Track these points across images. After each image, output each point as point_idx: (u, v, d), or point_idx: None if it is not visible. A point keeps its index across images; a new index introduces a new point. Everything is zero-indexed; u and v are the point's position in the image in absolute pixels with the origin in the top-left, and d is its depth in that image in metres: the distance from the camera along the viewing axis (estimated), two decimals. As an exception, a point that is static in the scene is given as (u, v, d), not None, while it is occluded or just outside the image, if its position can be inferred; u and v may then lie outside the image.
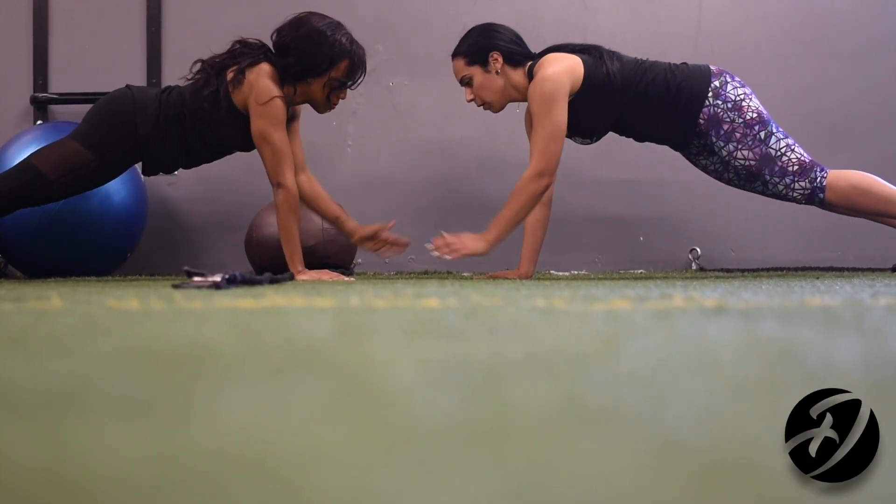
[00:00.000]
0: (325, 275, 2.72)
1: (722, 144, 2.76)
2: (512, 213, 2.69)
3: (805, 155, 2.75)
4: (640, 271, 3.57)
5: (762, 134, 2.73)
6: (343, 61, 2.78)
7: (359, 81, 2.84)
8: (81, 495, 0.35)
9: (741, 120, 2.73)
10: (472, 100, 2.85)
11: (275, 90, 2.71)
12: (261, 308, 1.31)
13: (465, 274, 3.39)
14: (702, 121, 2.76)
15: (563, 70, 2.70)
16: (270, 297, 1.54)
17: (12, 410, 0.52)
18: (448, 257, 2.68)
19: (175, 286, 1.87)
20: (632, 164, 3.53)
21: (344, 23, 2.85)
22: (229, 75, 2.73)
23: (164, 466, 0.39)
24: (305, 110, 2.98)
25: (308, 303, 1.44)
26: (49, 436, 0.45)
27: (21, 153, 3.00)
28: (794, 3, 3.63)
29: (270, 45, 2.79)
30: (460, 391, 0.57)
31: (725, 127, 2.74)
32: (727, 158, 2.77)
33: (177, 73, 3.55)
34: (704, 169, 2.90)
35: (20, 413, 0.51)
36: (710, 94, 2.74)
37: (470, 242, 2.67)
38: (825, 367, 0.68)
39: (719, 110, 2.74)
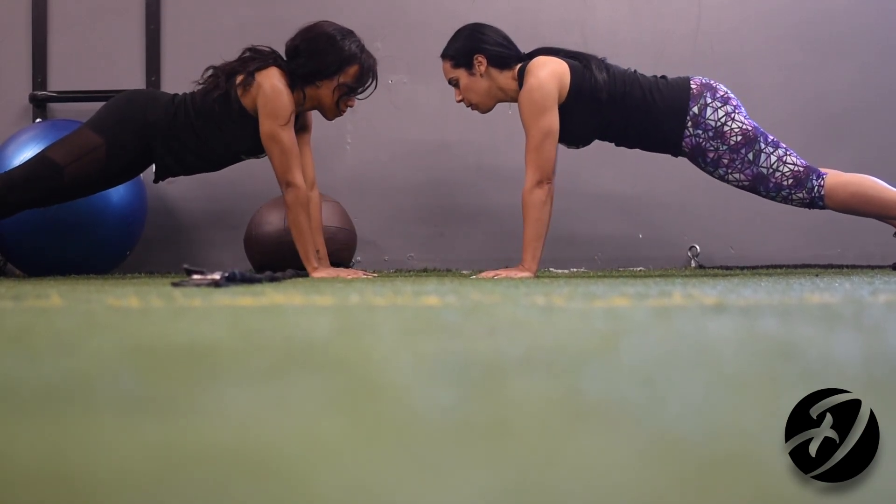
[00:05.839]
0: (343, 272, 2.71)
1: (711, 170, 2.73)
2: (532, 230, 2.68)
3: (799, 163, 2.67)
4: (639, 269, 3.57)
5: (750, 155, 2.67)
6: (353, 66, 2.79)
7: (369, 89, 2.85)
8: (81, 492, 0.35)
9: (725, 147, 2.68)
10: (461, 100, 2.85)
11: (283, 90, 2.72)
12: (260, 306, 1.31)
13: (464, 272, 3.38)
14: (686, 149, 2.73)
15: (551, 75, 2.68)
16: (270, 296, 1.54)
17: (12, 409, 0.52)
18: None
19: (174, 284, 1.87)
20: (630, 161, 3.53)
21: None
22: (238, 79, 2.73)
23: (164, 464, 0.39)
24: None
25: (307, 301, 1.44)
26: (49, 434, 0.45)
27: (20, 151, 2.99)
28: (792, 0, 3.62)
29: (282, 52, 2.80)
30: (460, 389, 0.57)
31: (711, 155, 2.70)
32: (720, 179, 2.76)
33: (176, 70, 3.56)
34: (704, 171, 2.89)
35: (20, 411, 0.51)
36: (689, 122, 2.68)
37: (514, 273, 2.65)
38: (825, 365, 0.68)
39: (701, 140, 2.69)
